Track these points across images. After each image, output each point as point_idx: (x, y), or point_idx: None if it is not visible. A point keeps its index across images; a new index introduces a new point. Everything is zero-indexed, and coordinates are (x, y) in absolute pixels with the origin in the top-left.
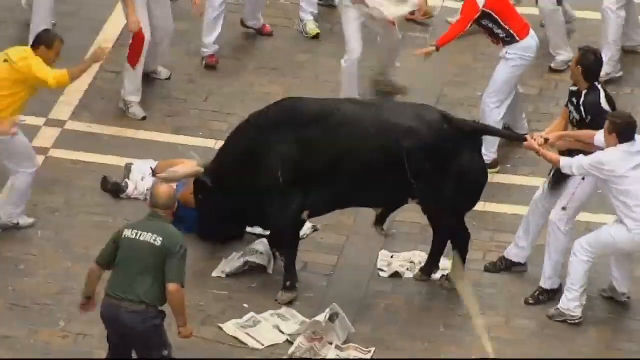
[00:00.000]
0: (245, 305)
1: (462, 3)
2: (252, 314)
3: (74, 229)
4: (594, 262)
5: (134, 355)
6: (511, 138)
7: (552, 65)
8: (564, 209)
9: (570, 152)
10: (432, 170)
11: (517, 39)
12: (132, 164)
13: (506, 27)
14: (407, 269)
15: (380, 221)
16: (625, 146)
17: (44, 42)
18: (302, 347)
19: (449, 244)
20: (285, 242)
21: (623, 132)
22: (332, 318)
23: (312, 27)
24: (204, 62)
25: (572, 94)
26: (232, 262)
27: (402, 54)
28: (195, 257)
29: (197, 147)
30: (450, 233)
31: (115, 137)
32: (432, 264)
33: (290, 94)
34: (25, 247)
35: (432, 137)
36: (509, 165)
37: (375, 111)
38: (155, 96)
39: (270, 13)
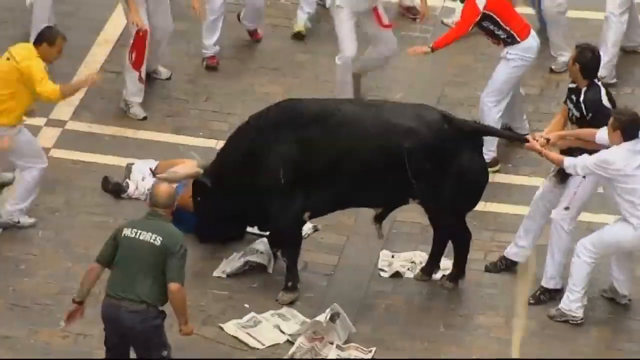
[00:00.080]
0: (246, 305)
1: (461, 3)
2: (252, 313)
3: (74, 229)
4: (596, 262)
5: (133, 355)
6: (512, 138)
7: (553, 66)
8: (566, 208)
9: (570, 151)
10: (432, 170)
11: (518, 39)
12: (133, 164)
13: (507, 28)
14: (408, 269)
15: (379, 219)
16: (629, 144)
17: (46, 39)
18: (303, 347)
19: (450, 244)
20: (287, 243)
21: (628, 129)
22: (332, 318)
23: (299, 25)
24: (205, 63)
25: (571, 91)
26: (233, 262)
27: (401, 54)
28: (195, 257)
29: (198, 147)
30: (450, 233)
31: (116, 137)
32: (432, 264)
33: (290, 94)
34: (25, 247)
35: (432, 137)
36: (509, 165)
37: (375, 111)
38: (156, 96)
39: (270, 13)
